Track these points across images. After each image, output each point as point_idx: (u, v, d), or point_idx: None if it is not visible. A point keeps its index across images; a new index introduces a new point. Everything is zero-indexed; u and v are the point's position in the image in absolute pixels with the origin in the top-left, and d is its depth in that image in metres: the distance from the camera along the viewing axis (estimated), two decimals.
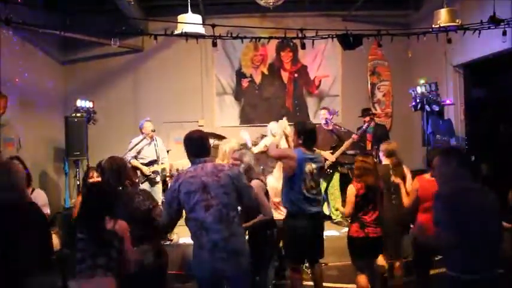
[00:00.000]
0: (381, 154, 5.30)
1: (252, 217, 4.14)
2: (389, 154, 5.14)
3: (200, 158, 3.33)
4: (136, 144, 6.84)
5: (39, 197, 4.42)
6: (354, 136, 7.13)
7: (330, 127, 7.52)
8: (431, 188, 4.09)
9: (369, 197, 4.37)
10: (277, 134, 6.86)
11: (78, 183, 7.75)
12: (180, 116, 9.07)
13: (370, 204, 4.39)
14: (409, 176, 5.13)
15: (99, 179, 4.72)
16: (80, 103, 8.04)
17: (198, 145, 3.38)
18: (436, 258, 4.49)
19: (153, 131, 7.02)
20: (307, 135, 4.46)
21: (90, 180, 5.10)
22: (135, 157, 6.88)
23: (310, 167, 4.32)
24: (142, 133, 6.98)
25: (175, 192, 3.25)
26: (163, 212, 3.42)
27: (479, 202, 2.91)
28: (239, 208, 3.42)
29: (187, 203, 3.21)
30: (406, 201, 4.72)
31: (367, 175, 4.42)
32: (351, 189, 4.39)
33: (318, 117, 8.62)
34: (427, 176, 4.37)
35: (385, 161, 5.14)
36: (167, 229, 3.96)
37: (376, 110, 9.63)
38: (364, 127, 7.40)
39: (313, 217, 4.35)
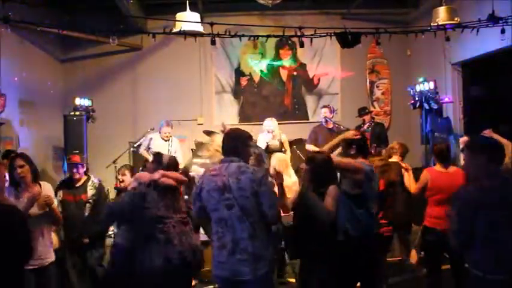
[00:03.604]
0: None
1: None
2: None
3: (227, 157, 3.25)
4: (150, 140, 7.37)
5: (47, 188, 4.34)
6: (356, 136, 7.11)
7: (330, 125, 7.52)
8: (446, 180, 4.16)
9: (389, 193, 4.40)
10: (276, 132, 6.92)
11: None
12: (179, 114, 9.06)
13: (387, 201, 4.43)
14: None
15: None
16: (79, 101, 8.04)
17: (227, 143, 3.32)
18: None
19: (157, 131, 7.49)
20: (363, 145, 4.04)
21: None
22: (147, 150, 7.33)
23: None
24: (160, 132, 7.40)
25: (198, 189, 3.27)
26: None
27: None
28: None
29: (208, 201, 3.19)
30: (413, 188, 4.70)
31: (389, 171, 4.50)
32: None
33: (317, 115, 8.64)
34: (437, 167, 4.40)
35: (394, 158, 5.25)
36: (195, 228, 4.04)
37: (375, 108, 9.64)
38: (365, 127, 7.39)
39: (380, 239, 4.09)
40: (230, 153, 3.26)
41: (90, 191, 5.07)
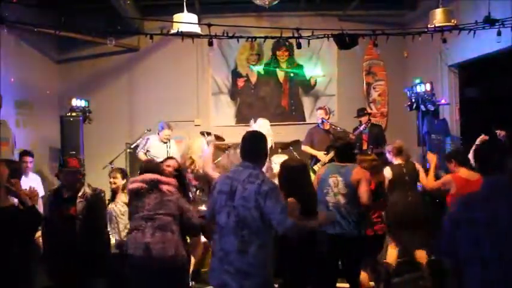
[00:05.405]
0: (389, 155, 5.37)
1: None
2: (399, 152, 5.23)
3: (244, 161, 3.12)
4: (147, 140, 7.28)
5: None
6: (351, 137, 7.13)
7: (327, 127, 7.53)
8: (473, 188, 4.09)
9: (379, 193, 4.40)
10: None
11: None
12: (176, 115, 9.02)
13: (379, 201, 4.43)
14: (421, 170, 5.25)
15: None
16: (75, 102, 8.03)
17: (243, 147, 3.17)
18: None
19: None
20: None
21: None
22: (145, 153, 7.22)
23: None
24: (159, 134, 7.31)
25: (212, 189, 3.20)
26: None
27: None
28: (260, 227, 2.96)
29: (216, 202, 3.09)
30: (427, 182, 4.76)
31: (379, 172, 4.51)
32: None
33: (314, 116, 8.64)
34: (464, 173, 4.37)
35: (396, 160, 5.21)
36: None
37: (371, 109, 9.64)
38: (361, 128, 7.40)
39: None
40: (246, 158, 3.12)
41: (80, 204, 4.05)
